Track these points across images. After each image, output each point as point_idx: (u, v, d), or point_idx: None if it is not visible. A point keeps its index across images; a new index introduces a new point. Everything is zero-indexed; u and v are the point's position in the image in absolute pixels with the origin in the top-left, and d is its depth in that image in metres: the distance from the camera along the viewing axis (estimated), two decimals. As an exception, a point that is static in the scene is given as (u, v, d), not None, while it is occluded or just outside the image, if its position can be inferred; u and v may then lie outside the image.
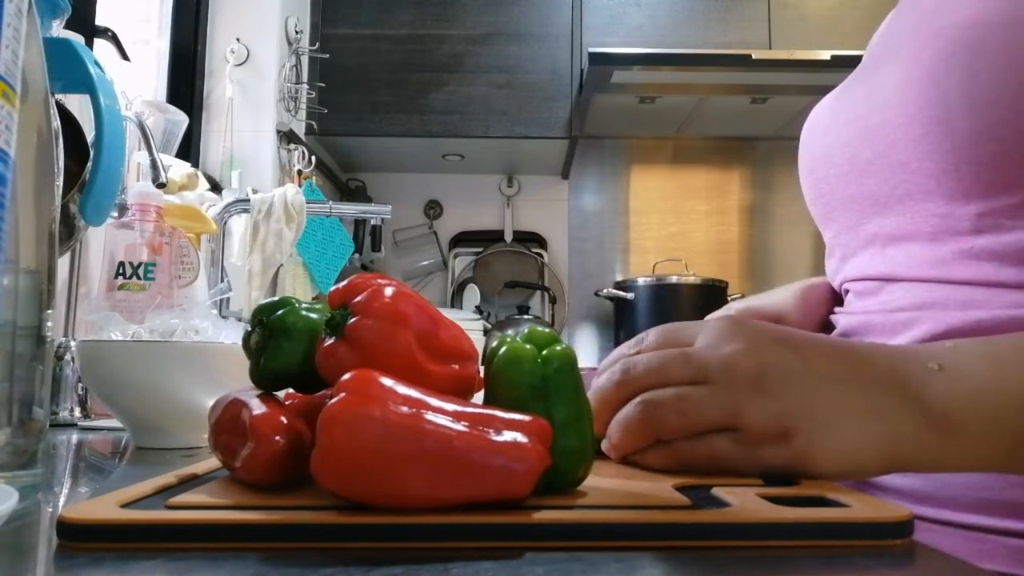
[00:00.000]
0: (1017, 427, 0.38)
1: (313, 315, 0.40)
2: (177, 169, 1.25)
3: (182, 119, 1.33)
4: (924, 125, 0.48)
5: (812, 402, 0.38)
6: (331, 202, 1.62)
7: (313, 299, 0.79)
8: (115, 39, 1.25)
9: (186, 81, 1.80)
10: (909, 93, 0.49)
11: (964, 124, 0.45)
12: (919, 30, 0.51)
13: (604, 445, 0.43)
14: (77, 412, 0.91)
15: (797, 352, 0.39)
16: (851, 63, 0.65)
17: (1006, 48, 0.44)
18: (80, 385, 0.92)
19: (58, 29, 0.61)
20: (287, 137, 1.88)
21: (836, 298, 0.65)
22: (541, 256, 2.43)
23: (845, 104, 0.59)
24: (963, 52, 0.46)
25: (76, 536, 0.29)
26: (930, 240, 0.50)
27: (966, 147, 0.46)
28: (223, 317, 0.98)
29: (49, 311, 0.43)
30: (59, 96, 0.70)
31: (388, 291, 0.36)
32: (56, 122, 0.48)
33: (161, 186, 1.00)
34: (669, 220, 2.45)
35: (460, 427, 0.31)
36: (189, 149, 1.75)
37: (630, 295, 2.13)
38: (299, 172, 1.88)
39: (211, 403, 0.40)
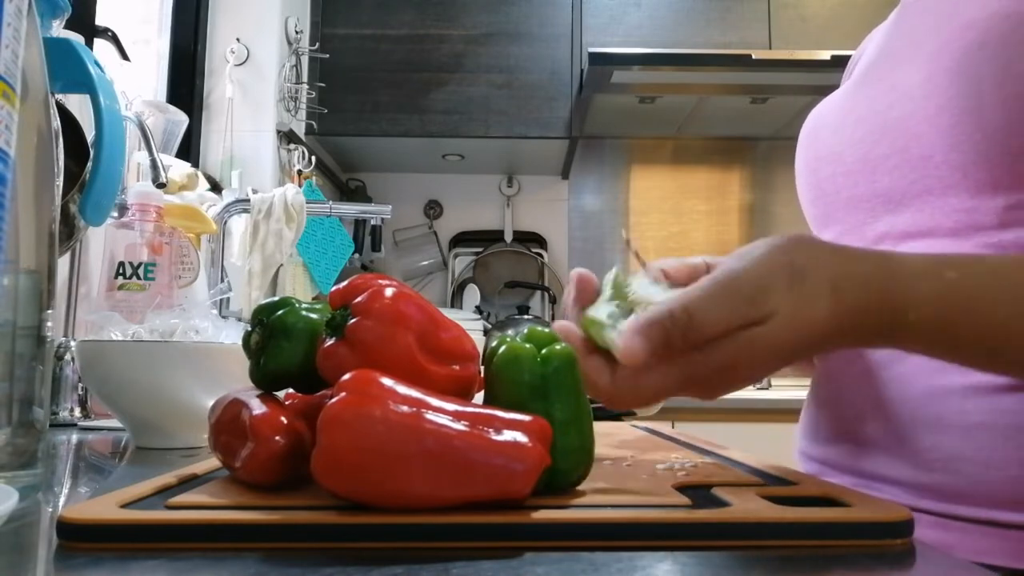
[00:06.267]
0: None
1: (313, 315, 0.40)
2: (177, 169, 1.25)
3: (182, 119, 1.33)
4: (953, 115, 0.48)
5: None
6: (331, 202, 1.62)
7: (313, 299, 0.79)
8: (115, 39, 1.25)
9: (186, 81, 1.80)
10: (937, 84, 0.49)
11: (997, 113, 0.46)
12: (940, 26, 0.52)
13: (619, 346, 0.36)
14: (77, 412, 0.91)
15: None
16: (851, 63, 0.65)
17: None
18: (80, 385, 0.92)
19: (58, 29, 0.61)
20: (287, 137, 1.88)
21: None
22: (541, 256, 2.43)
23: (858, 102, 0.58)
24: (996, 42, 0.46)
25: (76, 536, 0.29)
26: (951, 235, 0.50)
27: (999, 137, 0.46)
28: (223, 317, 0.97)
29: (49, 311, 0.43)
30: (59, 96, 0.70)
31: (388, 292, 0.36)
32: (56, 122, 0.48)
33: (161, 186, 1.00)
34: (669, 220, 2.45)
35: (460, 427, 0.31)
36: (189, 149, 1.75)
37: (630, 295, 2.13)
38: (299, 172, 1.88)
39: (211, 403, 0.41)
